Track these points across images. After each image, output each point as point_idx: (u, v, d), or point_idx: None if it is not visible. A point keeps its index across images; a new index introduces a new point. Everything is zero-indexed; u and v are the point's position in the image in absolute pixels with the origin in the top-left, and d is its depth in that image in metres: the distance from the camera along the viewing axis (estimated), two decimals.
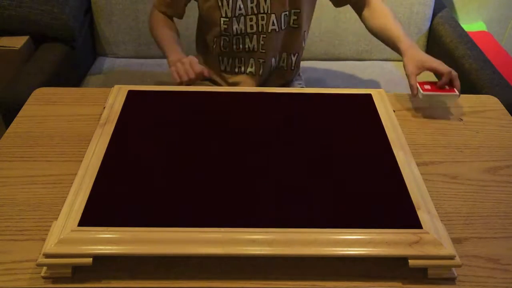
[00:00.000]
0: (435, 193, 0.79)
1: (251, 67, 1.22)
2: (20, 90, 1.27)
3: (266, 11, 1.13)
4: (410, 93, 1.00)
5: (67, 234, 0.64)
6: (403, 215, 0.69)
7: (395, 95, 1.04)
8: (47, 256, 0.63)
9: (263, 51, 1.19)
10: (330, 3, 1.25)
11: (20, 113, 0.95)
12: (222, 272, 0.66)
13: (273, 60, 1.23)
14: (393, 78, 1.66)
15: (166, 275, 0.65)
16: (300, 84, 1.36)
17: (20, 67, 1.41)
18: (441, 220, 0.69)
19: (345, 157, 0.80)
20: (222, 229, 0.66)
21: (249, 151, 0.81)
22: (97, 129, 0.84)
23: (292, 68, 1.27)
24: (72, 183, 0.73)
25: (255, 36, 1.17)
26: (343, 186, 0.74)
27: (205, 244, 0.64)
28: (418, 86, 0.97)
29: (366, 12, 1.19)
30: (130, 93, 0.94)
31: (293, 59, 1.25)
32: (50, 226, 0.66)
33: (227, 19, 1.14)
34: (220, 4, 1.12)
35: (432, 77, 0.99)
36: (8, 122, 1.16)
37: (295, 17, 1.17)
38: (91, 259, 0.63)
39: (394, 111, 0.92)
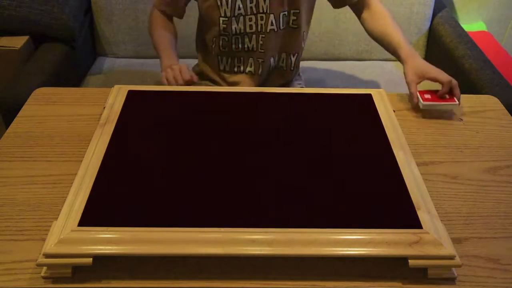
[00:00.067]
0: (435, 193, 0.79)
1: (250, 66, 1.22)
2: (20, 90, 1.27)
3: (265, 11, 1.13)
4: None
5: (67, 234, 0.64)
6: (403, 215, 0.69)
7: (395, 95, 1.04)
8: (47, 256, 0.63)
9: (262, 51, 1.19)
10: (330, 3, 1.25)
11: (20, 113, 0.95)
12: (222, 272, 0.66)
13: (272, 60, 1.23)
14: (393, 78, 1.66)
15: (166, 275, 0.65)
16: (300, 84, 1.36)
17: (20, 67, 1.41)
18: (441, 220, 0.69)
19: (345, 157, 0.80)
20: (222, 229, 0.66)
21: (249, 151, 0.81)
22: (97, 129, 0.84)
23: (292, 68, 1.27)
24: (72, 183, 0.73)
25: (254, 36, 1.17)
26: (343, 186, 0.74)
27: (205, 244, 0.64)
28: (419, 95, 0.98)
29: (365, 14, 1.19)
30: (130, 93, 0.94)
31: (293, 59, 1.25)
32: (50, 226, 0.66)
33: (226, 19, 1.14)
34: (219, 3, 1.12)
35: (432, 85, 1.00)
36: (8, 122, 1.16)
37: (294, 18, 1.17)
38: (91, 259, 0.63)
39: (394, 111, 0.92)
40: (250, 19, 1.15)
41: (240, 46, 1.19)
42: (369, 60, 1.78)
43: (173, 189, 0.72)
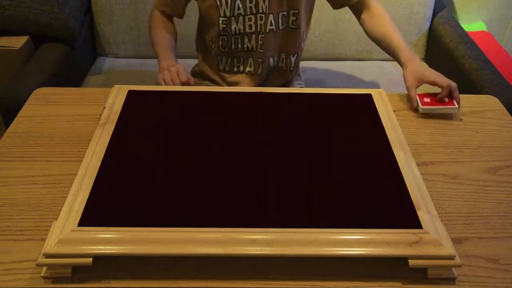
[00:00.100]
0: (435, 193, 0.79)
1: (250, 66, 1.22)
2: (20, 90, 1.27)
3: (264, 11, 1.14)
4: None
5: (67, 234, 0.64)
6: (403, 215, 0.69)
7: (395, 95, 1.04)
8: (47, 256, 0.63)
9: (262, 51, 1.19)
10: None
11: (20, 113, 0.95)
12: (222, 272, 0.66)
13: (271, 60, 1.23)
14: (393, 78, 1.66)
15: (166, 275, 0.65)
16: (300, 84, 1.36)
17: (20, 67, 1.41)
18: (441, 220, 0.69)
19: (345, 157, 0.80)
20: (222, 229, 0.66)
21: (249, 151, 0.81)
22: (97, 129, 0.84)
23: (292, 68, 1.27)
24: (72, 183, 0.73)
25: (253, 36, 1.17)
26: (343, 186, 0.74)
27: (205, 244, 0.64)
28: (418, 99, 0.98)
29: (364, 15, 1.19)
30: (130, 93, 0.94)
31: (292, 59, 1.25)
32: (50, 226, 0.66)
33: (226, 19, 1.14)
34: (218, 3, 1.12)
35: (432, 88, 1.00)
36: (8, 122, 1.16)
37: (294, 18, 1.17)
38: (91, 259, 0.63)
39: (394, 111, 0.92)
40: (250, 19, 1.15)
41: (239, 46, 1.19)
42: (369, 60, 1.78)
43: (173, 189, 0.72)
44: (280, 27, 1.17)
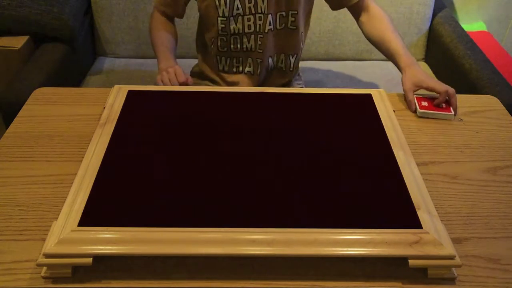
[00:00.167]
0: (435, 193, 0.79)
1: (249, 66, 1.22)
2: (20, 90, 1.27)
3: (263, 11, 1.14)
4: None
5: (67, 234, 0.64)
6: (403, 215, 0.69)
7: (395, 95, 1.04)
8: (47, 256, 0.63)
9: (260, 51, 1.19)
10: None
11: (20, 113, 0.95)
12: (222, 272, 0.66)
13: (270, 60, 1.23)
14: (393, 78, 1.66)
15: (166, 275, 0.65)
16: (299, 84, 1.36)
17: (20, 67, 1.41)
18: (441, 220, 0.69)
19: (345, 157, 0.80)
20: (222, 229, 0.66)
21: (249, 151, 0.81)
22: (97, 129, 0.84)
23: (291, 69, 1.27)
24: (72, 183, 0.73)
25: (252, 36, 1.17)
26: (343, 186, 0.74)
27: (205, 244, 0.64)
28: (416, 102, 0.99)
29: (363, 17, 1.19)
30: (130, 93, 0.94)
31: (292, 60, 1.25)
32: (50, 226, 0.66)
33: (225, 19, 1.14)
34: (217, 3, 1.12)
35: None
36: (8, 122, 1.16)
37: (293, 19, 1.17)
38: (91, 259, 0.63)
39: (394, 111, 0.92)
40: (249, 19, 1.15)
41: (238, 46, 1.19)
42: (369, 60, 1.78)
43: (173, 189, 0.72)
44: (279, 28, 1.17)
